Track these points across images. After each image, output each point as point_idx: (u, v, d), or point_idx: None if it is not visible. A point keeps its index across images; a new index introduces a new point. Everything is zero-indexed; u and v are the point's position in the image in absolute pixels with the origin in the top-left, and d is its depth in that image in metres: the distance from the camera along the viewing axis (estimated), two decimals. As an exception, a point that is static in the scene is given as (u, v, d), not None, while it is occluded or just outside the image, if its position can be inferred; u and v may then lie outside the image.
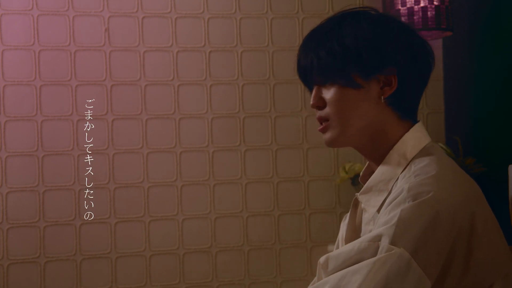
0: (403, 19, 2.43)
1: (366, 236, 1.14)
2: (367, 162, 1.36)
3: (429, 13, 2.41)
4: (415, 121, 1.29)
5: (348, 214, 1.39)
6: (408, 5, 2.42)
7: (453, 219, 1.12)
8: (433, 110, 2.68)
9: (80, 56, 2.42)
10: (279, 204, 2.56)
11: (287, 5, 2.58)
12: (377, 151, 1.28)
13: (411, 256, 1.09)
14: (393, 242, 1.09)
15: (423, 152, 1.25)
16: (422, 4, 2.41)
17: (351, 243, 1.16)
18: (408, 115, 1.28)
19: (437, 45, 2.67)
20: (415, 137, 1.27)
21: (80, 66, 2.42)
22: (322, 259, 1.19)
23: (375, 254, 1.10)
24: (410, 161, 1.24)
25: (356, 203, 1.35)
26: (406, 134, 1.26)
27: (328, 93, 1.27)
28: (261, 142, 2.56)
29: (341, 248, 1.17)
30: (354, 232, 1.36)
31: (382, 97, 1.25)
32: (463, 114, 2.59)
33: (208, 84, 2.52)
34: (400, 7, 2.44)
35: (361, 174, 1.38)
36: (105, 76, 2.44)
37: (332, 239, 2.48)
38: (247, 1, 2.55)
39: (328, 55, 1.25)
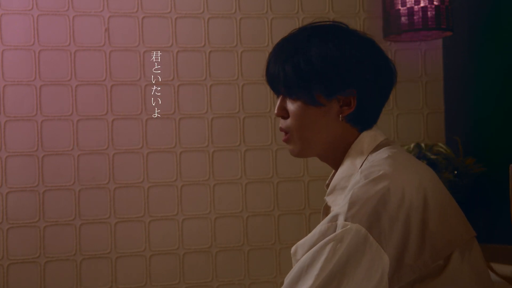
0: (403, 19, 2.43)
1: (326, 218, 1.20)
2: (333, 171, 1.42)
3: (429, 13, 2.41)
4: (370, 126, 1.36)
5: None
6: (408, 5, 2.42)
7: (402, 193, 1.18)
8: (433, 110, 2.68)
9: (80, 56, 2.42)
10: (279, 204, 2.56)
11: (287, 5, 2.58)
12: (338, 157, 1.35)
13: (367, 231, 1.14)
14: (347, 219, 1.15)
15: (379, 147, 1.32)
16: (422, 4, 2.41)
17: (314, 229, 1.21)
18: (366, 128, 1.35)
19: (437, 45, 2.67)
20: (370, 135, 1.34)
21: (80, 66, 2.42)
22: (292, 248, 1.25)
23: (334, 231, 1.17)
24: (367, 156, 1.31)
25: (326, 210, 1.40)
26: (362, 133, 1.34)
27: (292, 106, 1.34)
28: (261, 142, 2.56)
29: (306, 236, 1.23)
30: None
31: (341, 115, 1.32)
32: (463, 114, 2.59)
33: (208, 84, 2.52)
34: (400, 7, 2.44)
35: (327, 182, 1.44)
36: (105, 76, 2.44)
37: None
38: (247, 1, 2.55)
39: (294, 71, 1.31)
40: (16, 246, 2.36)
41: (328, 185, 1.42)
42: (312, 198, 2.58)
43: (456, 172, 2.35)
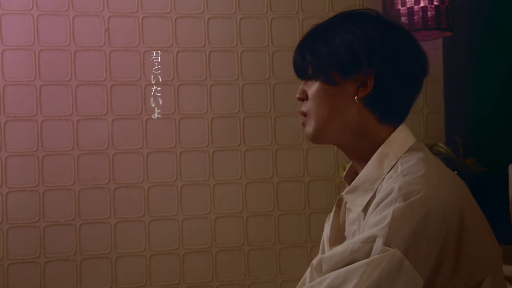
0: (403, 19, 2.43)
1: (359, 237, 1.15)
2: (351, 162, 1.39)
3: (429, 13, 2.41)
4: (396, 124, 1.30)
5: (332, 214, 1.42)
6: (408, 5, 2.42)
7: (443, 216, 1.14)
8: (433, 110, 2.68)
9: (80, 56, 2.42)
10: (279, 204, 2.56)
11: (287, 5, 2.58)
12: (361, 151, 1.31)
13: (403, 254, 1.10)
14: (387, 243, 1.11)
15: (410, 152, 1.27)
16: (422, 4, 2.41)
17: (343, 244, 1.17)
18: (387, 117, 1.29)
19: (437, 45, 2.67)
20: (401, 137, 1.29)
21: (80, 66, 2.42)
22: (314, 261, 1.21)
23: (368, 255, 1.12)
24: (396, 161, 1.26)
25: (340, 203, 1.38)
26: (392, 134, 1.29)
27: (310, 88, 1.32)
28: (261, 142, 2.56)
29: (334, 250, 1.19)
30: (338, 232, 1.39)
31: (358, 96, 1.28)
32: (463, 114, 2.59)
33: (208, 84, 2.52)
34: (400, 7, 2.44)
35: (344, 173, 1.41)
36: (105, 76, 2.44)
37: (332, 239, 2.48)
38: (247, 1, 2.55)
39: (312, 54, 1.30)
40: (16, 246, 2.36)
41: (345, 177, 1.39)
42: (312, 198, 2.58)
43: (456, 172, 2.35)
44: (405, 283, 1.10)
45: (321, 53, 1.29)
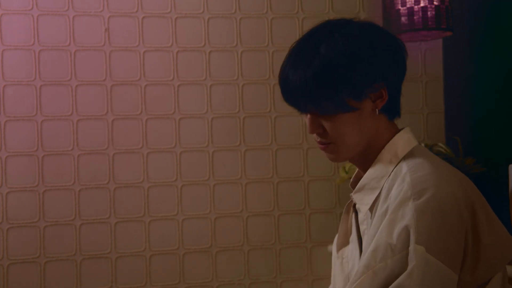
0: (403, 19, 2.43)
1: (393, 250, 1.16)
2: (357, 170, 1.41)
3: (429, 13, 2.41)
4: (398, 116, 1.36)
5: (336, 240, 1.46)
6: (408, 5, 2.42)
7: (459, 211, 1.17)
8: (433, 110, 2.68)
9: (80, 56, 2.42)
10: (279, 204, 2.56)
11: (287, 5, 2.58)
12: (368, 155, 1.33)
13: (434, 257, 1.13)
14: (416, 250, 1.13)
15: (413, 152, 1.30)
16: (422, 4, 2.41)
17: (383, 260, 1.17)
18: (394, 115, 1.35)
19: (437, 45, 2.67)
20: (405, 138, 1.32)
21: (80, 66, 2.42)
22: (351, 269, 1.27)
23: (403, 265, 1.14)
24: (400, 160, 1.29)
25: (348, 209, 1.40)
26: (397, 135, 1.32)
27: (327, 122, 1.29)
28: (261, 142, 2.56)
29: (365, 257, 1.19)
30: (345, 237, 1.41)
31: (377, 109, 1.30)
32: (463, 114, 2.59)
33: (208, 84, 2.52)
34: (400, 7, 2.44)
35: (351, 180, 1.43)
36: (105, 76, 2.44)
37: (332, 239, 2.47)
38: (247, 1, 2.55)
39: (316, 81, 1.25)
40: (16, 246, 2.36)
41: (352, 184, 1.41)
42: (312, 198, 2.58)
43: (456, 172, 2.35)
44: (443, 283, 1.13)
45: (327, 79, 1.26)
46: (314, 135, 1.33)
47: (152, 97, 2.47)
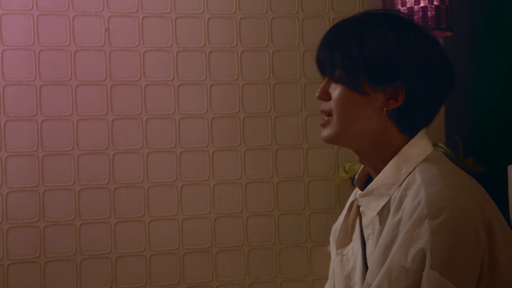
0: (403, 19, 2.43)
1: (406, 273, 1.13)
2: (362, 165, 1.35)
3: (429, 13, 2.41)
4: (412, 133, 1.27)
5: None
6: (408, 5, 2.42)
7: (475, 232, 1.13)
8: (433, 110, 2.68)
9: (80, 56, 2.42)
10: (279, 204, 2.56)
11: (287, 5, 2.58)
12: (377, 157, 1.28)
13: (452, 283, 1.09)
14: (440, 273, 1.10)
15: (428, 160, 1.24)
16: (422, 4, 2.41)
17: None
18: (409, 130, 1.27)
19: (437, 45, 2.67)
20: (420, 144, 1.26)
21: (80, 66, 2.42)
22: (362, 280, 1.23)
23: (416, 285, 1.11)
24: (414, 168, 1.23)
25: (351, 207, 1.35)
26: (411, 141, 1.25)
27: (335, 91, 1.27)
28: (261, 142, 2.56)
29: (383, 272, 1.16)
30: (345, 234, 1.36)
31: (385, 108, 1.24)
32: (463, 114, 2.59)
33: (208, 84, 2.52)
34: (400, 7, 2.44)
35: (356, 176, 1.37)
36: (105, 76, 2.44)
37: (332, 239, 2.48)
38: (247, 1, 2.55)
39: (342, 55, 1.24)
40: (16, 246, 2.36)
41: (357, 181, 1.36)
42: (312, 198, 2.58)
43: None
44: None
45: (353, 57, 1.23)
46: (321, 105, 1.31)
47: (152, 97, 2.47)
